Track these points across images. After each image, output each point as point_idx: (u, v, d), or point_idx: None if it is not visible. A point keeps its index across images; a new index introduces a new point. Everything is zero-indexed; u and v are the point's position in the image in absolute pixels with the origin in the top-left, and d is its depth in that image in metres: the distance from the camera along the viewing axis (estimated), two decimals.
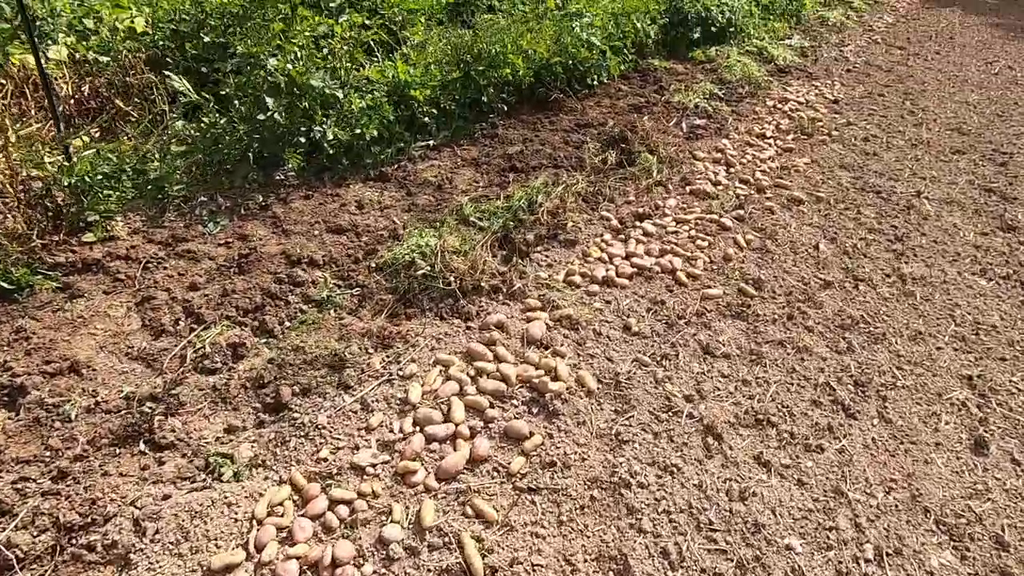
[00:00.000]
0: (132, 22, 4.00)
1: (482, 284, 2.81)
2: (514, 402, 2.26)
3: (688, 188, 4.04)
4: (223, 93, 3.40)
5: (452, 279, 2.76)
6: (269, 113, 3.17)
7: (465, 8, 6.01)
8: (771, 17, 8.43)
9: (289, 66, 3.27)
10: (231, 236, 3.03)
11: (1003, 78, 7.45)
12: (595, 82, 5.49)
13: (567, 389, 2.33)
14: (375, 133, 3.65)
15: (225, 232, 3.05)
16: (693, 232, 3.52)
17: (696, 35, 6.96)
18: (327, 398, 2.20)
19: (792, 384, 2.54)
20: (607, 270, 3.07)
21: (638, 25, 6.09)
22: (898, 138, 5.31)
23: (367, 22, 4.79)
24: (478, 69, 4.31)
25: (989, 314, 3.10)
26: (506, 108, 4.77)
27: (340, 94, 3.41)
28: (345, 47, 3.73)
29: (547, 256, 3.17)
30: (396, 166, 3.84)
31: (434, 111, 4.08)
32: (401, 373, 2.34)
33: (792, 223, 3.78)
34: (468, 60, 4.34)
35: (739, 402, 2.42)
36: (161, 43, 3.93)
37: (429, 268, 2.75)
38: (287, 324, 2.49)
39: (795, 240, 3.59)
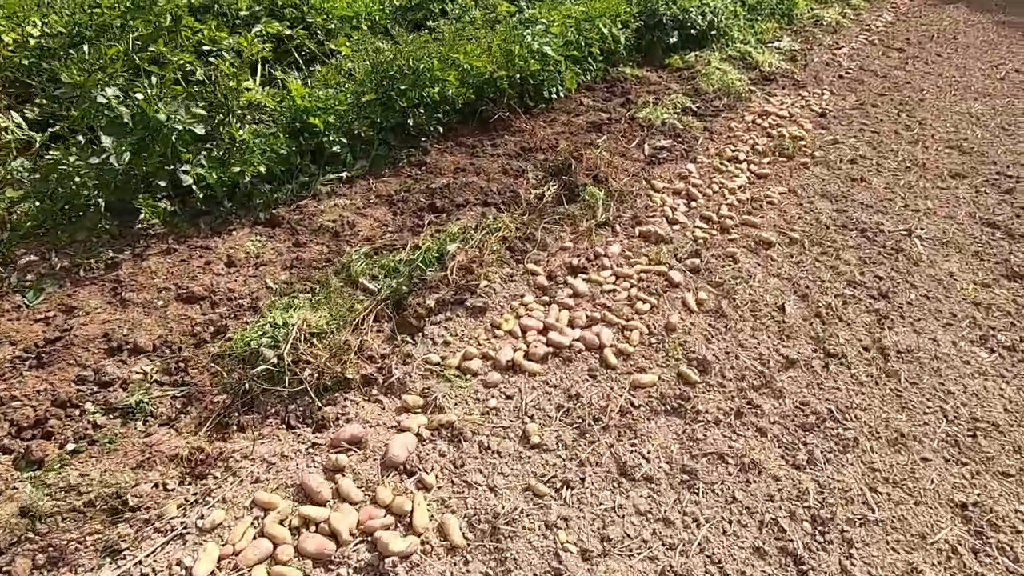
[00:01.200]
0: None
1: (349, 376, 2.19)
2: (341, 572, 1.65)
3: (639, 229, 3.39)
4: (56, 130, 2.78)
5: (308, 373, 2.14)
6: (105, 156, 2.55)
7: (415, 13, 5.35)
8: (759, 18, 7.71)
9: (139, 95, 2.65)
10: (55, 308, 2.42)
11: (1010, 84, 6.72)
12: (552, 96, 4.83)
13: (421, 546, 1.72)
14: (262, 170, 3.02)
15: (49, 302, 2.44)
16: (634, 291, 2.88)
17: (673, 39, 6.27)
18: (78, 574, 1.59)
19: (731, 523, 1.91)
20: (516, 350, 2.44)
21: (604, 31, 5.41)
22: (890, 159, 4.63)
23: (288, 31, 4.14)
24: (399, 89, 3.66)
25: (990, 404, 2.45)
26: (442, 130, 4.13)
27: (201, 129, 2.78)
28: (233, 67, 3.10)
29: (447, 329, 2.54)
30: (294, 206, 3.21)
31: (344, 140, 3.44)
32: (201, 524, 1.73)
33: (757, 274, 3.13)
34: (390, 78, 3.69)
35: (655, 556, 1.79)
36: (26, 63, 3.31)
37: (276, 361, 2.13)
38: (70, 447, 1.88)
39: (758, 299, 2.94)
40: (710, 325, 2.73)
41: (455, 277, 2.74)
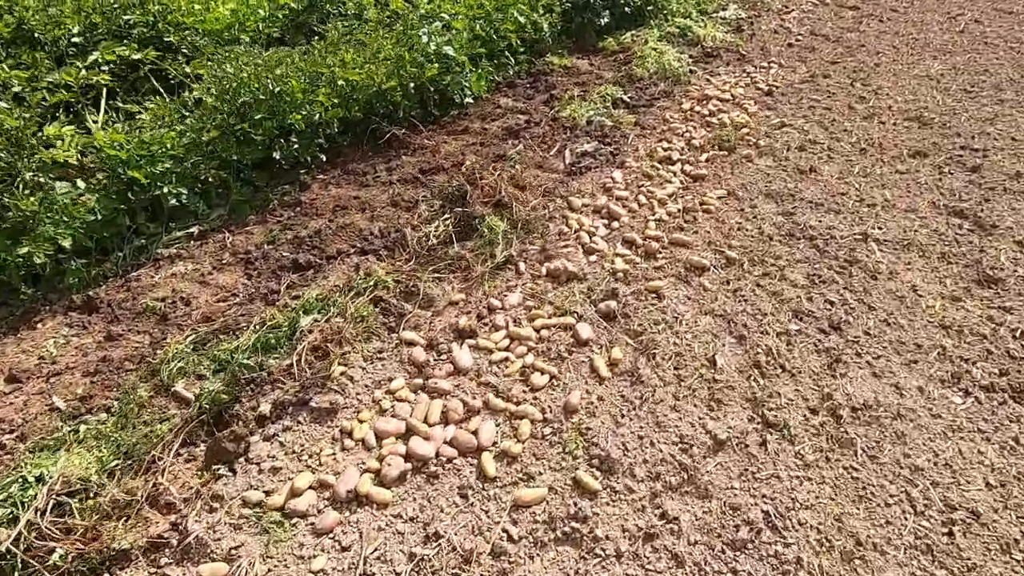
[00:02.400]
0: None
1: (126, 546, 1.61)
2: None
3: (547, 266, 2.80)
4: None
5: (60, 556, 1.55)
6: None
7: (309, 15, 4.65)
8: None
9: None
10: None
11: (970, 37, 6.11)
12: (465, 100, 4.18)
13: None
14: (66, 244, 2.39)
15: None
16: (531, 357, 2.31)
17: (605, 20, 5.61)
18: None
19: None
20: (364, 471, 1.87)
21: (521, 19, 4.74)
22: (844, 140, 4.04)
23: (137, 57, 3.47)
24: (253, 119, 3.02)
25: (968, 477, 1.91)
26: (326, 158, 3.49)
27: None
28: (22, 118, 2.45)
29: (283, 445, 1.96)
30: (123, 280, 2.60)
31: (183, 189, 2.81)
32: None
33: (686, 313, 2.56)
34: (243, 106, 3.04)
35: None
36: None
37: (4, 550, 1.54)
38: None
39: (684, 350, 2.37)
40: (622, 397, 2.17)
41: (304, 365, 2.16)
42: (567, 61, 5.18)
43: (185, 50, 3.85)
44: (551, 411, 2.10)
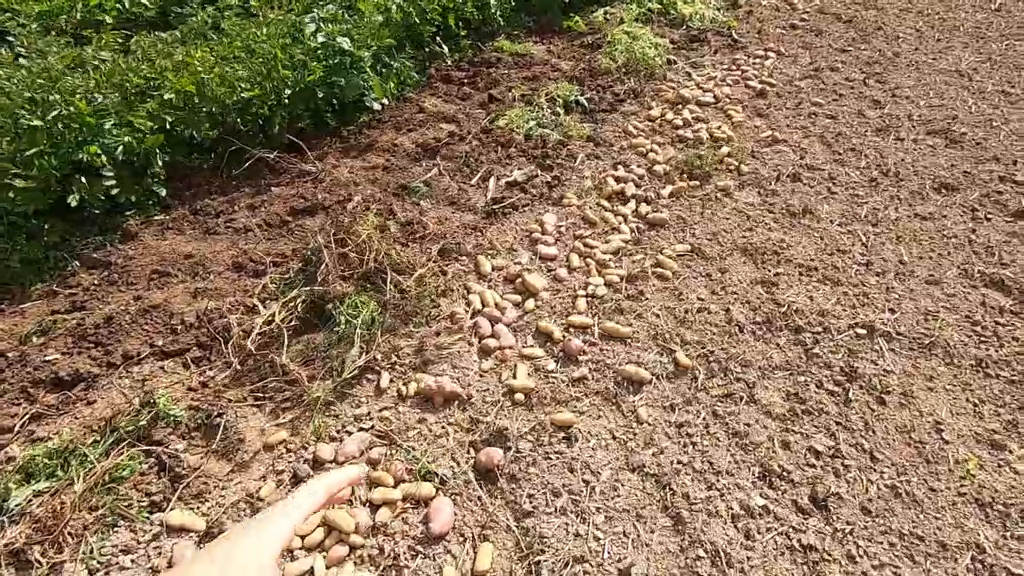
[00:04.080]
0: None
1: None
2: None
3: (417, 383, 1.94)
4: None
5: None
6: None
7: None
8: None
9: None
10: None
11: (1006, 17, 5.02)
12: (384, 103, 3.23)
13: None
14: None
15: None
16: (349, 571, 1.47)
17: None
18: None
19: None
20: None
21: None
22: (850, 164, 3.09)
23: None
24: (25, 156, 2.10)
25: None
26: (166, 192, 2.59)
27: None
28: None
29: None
30: None
31: None
32: None
33: (604, 471, 1.71)
34: (10, 139, 2.13)
35: None
36: None
37: None
38: None
39: (587, 552, 1.53)
40: None
41: None
42: (520, 47, 4.17)
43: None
44: None
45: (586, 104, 3.52)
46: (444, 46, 3.67)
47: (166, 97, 2.36)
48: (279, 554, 0.52)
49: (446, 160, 3.01)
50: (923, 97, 3.73)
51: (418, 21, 3.37)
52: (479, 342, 2.06)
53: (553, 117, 3.35)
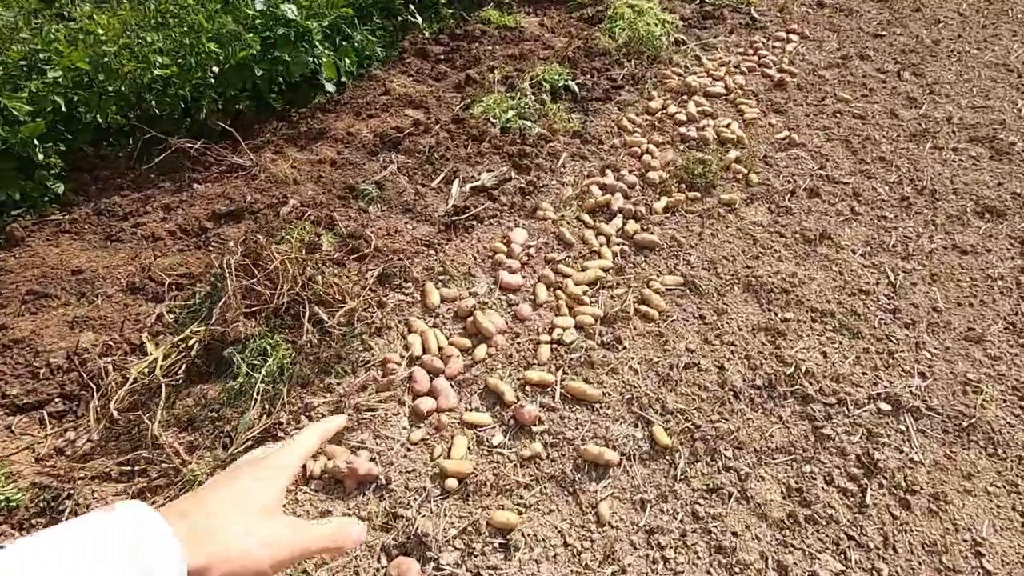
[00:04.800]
0: None
1: None
2: None
3: (333, 452, 1.54)
4: None
5: None
6: None
7: None
8: None
9: None
10: None
11: None
12: (334, 87, 2.76)
13: None
14: None
15: None
16: None
17: None
18: None
19: None
20: None
21: None
22: (878, 177, 2.61)
23: None
24: None
25: None
26: (64, 189, 2.16)
27: None
28: None
29: None
30: None
31: None
32: None
33: None
34: None
35: None
36: None
37: None
38: None
39: None
40: None
41: None
42: (510, 18, 3.64)
43: None
44: None
45: (577, 91, 3.02)
46: (419, 16, 3.16)
47: (51, 76, 1.90)
48: (283, 494, 0.52)
49: (407, 155, 2.55)
50: (965, 95, 3.21)
51: None
52: (413, 401, 1.65)
53: (538, 106, 2.86)
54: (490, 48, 3.33)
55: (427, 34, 3.39)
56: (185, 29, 2.20)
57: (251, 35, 2.34)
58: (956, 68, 3.45)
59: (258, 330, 1.64)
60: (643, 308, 1.95)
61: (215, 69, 2.25)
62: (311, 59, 2.46)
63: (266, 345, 1.63)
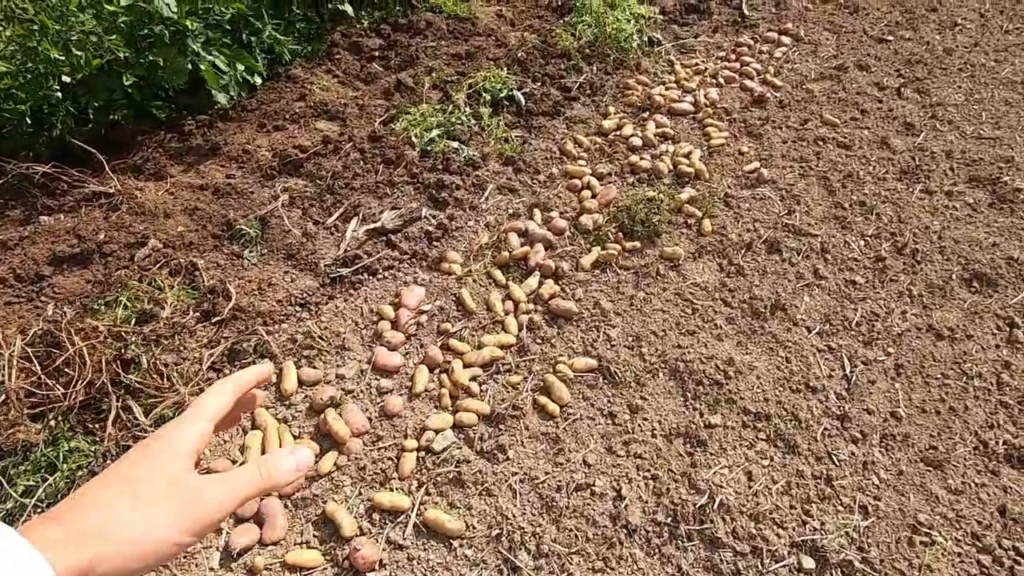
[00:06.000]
0: None
1: None
2: None
3: None
4: None
5: None
6: None
7: None
8: None
9: None
10: None
11: None
12: (225, 98, 2.35)
13: None
14: None
15: None
16: None
17: None
18: None
19: None
20: None
21: None
22: (854, 228, 2.20)
23: None
24: None
25: None
26: None
27: None
28: None
29: None
30: None
31: None
32: None
33: None
34: None
35: None
36: None
37: None
38: None
39: None
40: None
41: None
42: (464, 7, 3.17)
43: None
44: None
45: (523, 102, 2.60)
46: (347, 4, 2.70)
47: None
48: (193, 460, 0.47)
49: (308, 179, 2.17)
50: (972, 121, 2.74)
51: None
52: (233, 527, 1.33)
53: (472, 121, 2.45)
54: (433, 44, 2.88)
55: (365, 24, 2.93)
56: (24, 31, 1.80)
57: (115, 37, 1.93)
58: (966, 86, 2.96)
59: (41, 437, 1.31)
60: (542, 400, 1.61)
61: (65, 79, 1.86)
62: (189, 66, 2.04)
63: (53, 456, 1.30)
